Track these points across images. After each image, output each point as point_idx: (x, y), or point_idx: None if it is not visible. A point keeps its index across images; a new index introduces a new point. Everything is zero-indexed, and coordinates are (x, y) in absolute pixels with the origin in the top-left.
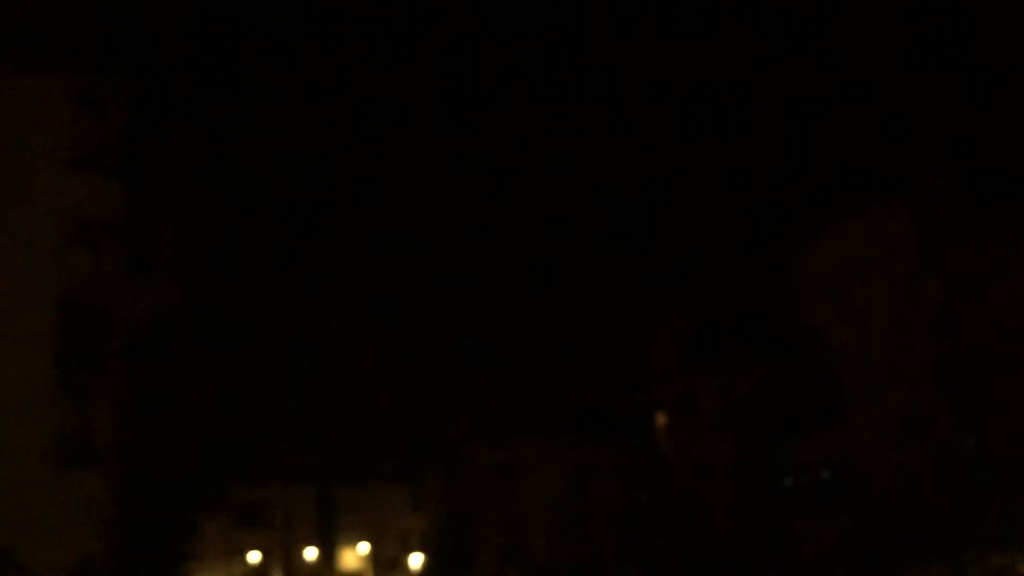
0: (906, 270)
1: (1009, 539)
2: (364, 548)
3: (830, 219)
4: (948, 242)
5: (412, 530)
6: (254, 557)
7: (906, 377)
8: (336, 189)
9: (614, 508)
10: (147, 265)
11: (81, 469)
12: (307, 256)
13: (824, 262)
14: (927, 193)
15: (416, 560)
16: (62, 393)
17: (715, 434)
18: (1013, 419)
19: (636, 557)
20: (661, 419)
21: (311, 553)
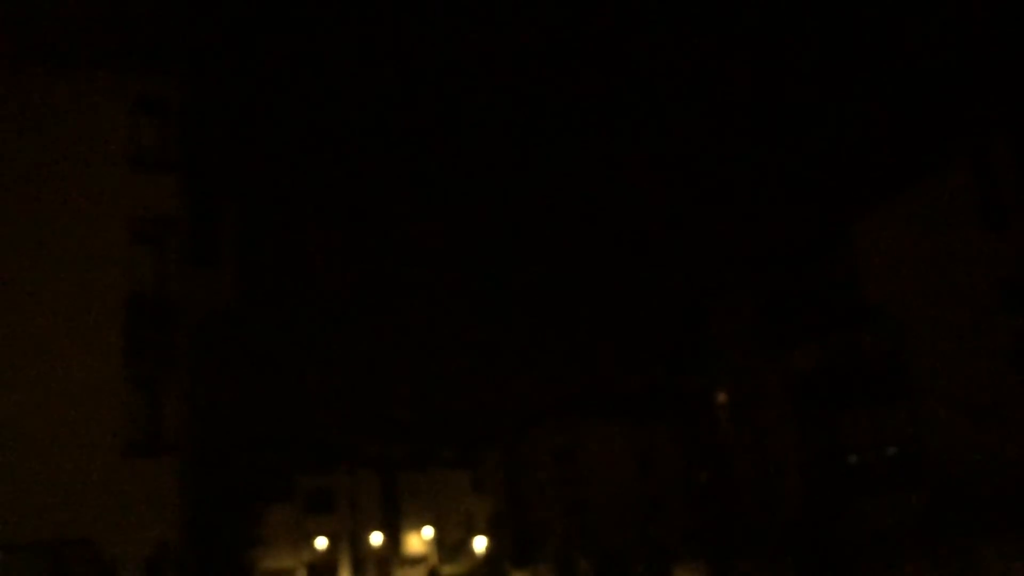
0: (970, 241)
1: None
2: (428, 532)
3: (891, 191)
4: (1014, 211)
5: (475, 514)
6: (321, 543)
7: (972, 351)
8: (401, 180)
9: (676, 488)
10: (208, 259)
11: (152, 460)
12: (369, 245)
13: (886, 235)
14: (990, 161)
15: (480, 544)
16: (132, 388)
17: (777, 412)
18: None
19: (699, 537)
20: (722, 398)
21: (377, 538)
